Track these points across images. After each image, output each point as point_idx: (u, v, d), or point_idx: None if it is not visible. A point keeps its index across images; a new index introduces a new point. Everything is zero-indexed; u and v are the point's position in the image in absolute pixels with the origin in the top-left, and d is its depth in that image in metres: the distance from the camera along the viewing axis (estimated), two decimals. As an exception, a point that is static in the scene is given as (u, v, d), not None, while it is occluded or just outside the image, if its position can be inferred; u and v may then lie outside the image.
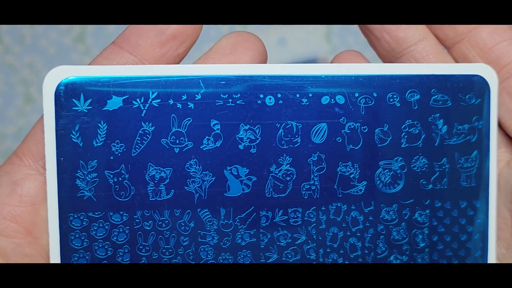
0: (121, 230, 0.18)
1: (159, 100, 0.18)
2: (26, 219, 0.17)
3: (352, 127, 0.19)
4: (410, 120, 0.19)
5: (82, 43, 0.69)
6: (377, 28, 0.20)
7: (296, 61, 0.69)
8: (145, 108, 0.18)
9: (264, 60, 0.19)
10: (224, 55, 0.18)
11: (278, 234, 0.19)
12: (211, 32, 0.68)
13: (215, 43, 0.19)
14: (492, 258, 0.20)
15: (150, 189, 0.18)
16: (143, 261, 0.18)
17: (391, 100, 0.19)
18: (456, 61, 0.20)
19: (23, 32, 0.68)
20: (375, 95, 0.19)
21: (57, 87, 0.17)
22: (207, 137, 0.18)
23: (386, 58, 0.21)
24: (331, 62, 0.20)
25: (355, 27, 0.62)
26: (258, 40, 0.19)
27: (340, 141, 0.19)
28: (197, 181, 0.18)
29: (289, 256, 0.19)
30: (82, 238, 0.18)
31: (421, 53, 0.20)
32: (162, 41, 0.18)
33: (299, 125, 0.18)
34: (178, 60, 0.19)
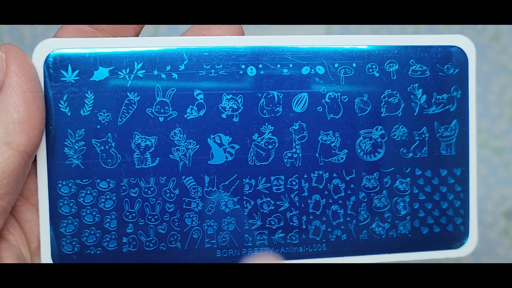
0: (108, 197, 0.18)
1: (144, 71, 0.18)
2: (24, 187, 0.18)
3: (333, 96, 0.19)
4: (389, 90, 0.20)
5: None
6: None
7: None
8: (131, 78, 0.18)
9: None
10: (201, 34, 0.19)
11: (262, 201, 0.19)
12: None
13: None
14: (473, 225, 0.20)
15: (136, 157, 0.18)
16: (130, 227, 0.19)
17: (370, 70, 0.19)
18: None
19: (23, 32, 0.69)
20: (354, 65, 0.19)
21: (45, 59, 0.18)
22: (190, 106, 0.19)
23: None
24: None
25: (355, 27, 0.63)
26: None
27: (320, 110, 0.19)
28: (181, 149, 0.19)
29: (272, 223, 0.19)
30: (71, 204, 0.18)
31: None
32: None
33: (280, 95, 0.19)
34: (141, 27, 0.19)
